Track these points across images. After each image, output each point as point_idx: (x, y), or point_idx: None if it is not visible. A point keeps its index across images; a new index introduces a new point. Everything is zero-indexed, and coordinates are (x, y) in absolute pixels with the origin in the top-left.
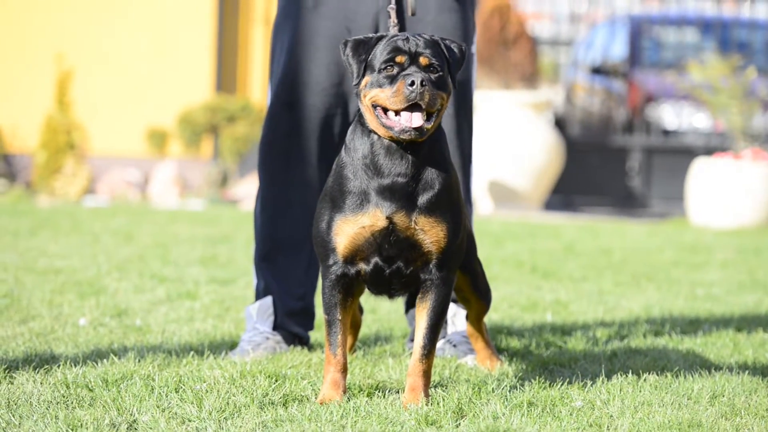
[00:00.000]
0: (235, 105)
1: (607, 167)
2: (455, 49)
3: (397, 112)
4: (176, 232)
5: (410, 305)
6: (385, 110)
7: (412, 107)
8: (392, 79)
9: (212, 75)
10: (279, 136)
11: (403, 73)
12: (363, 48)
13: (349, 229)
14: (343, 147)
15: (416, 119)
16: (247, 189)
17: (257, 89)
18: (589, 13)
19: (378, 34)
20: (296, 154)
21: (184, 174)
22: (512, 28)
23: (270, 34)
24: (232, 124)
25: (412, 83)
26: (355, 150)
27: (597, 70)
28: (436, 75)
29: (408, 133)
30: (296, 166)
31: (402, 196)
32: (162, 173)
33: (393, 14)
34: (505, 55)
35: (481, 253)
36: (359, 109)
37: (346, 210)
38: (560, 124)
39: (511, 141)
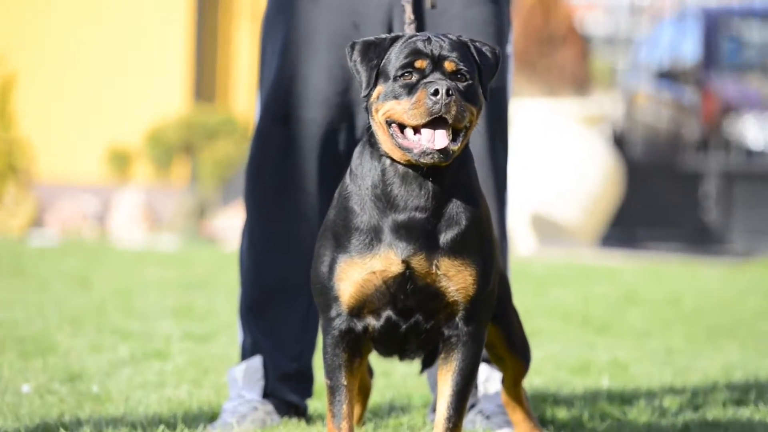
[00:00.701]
0: (216, 118)
1: (676, 195)
2: (488, 53)
3: (416, 130)
4: (143, 277)
5: (426, 364)
6: (402, 128)
7: (435, 123)
8: (411, 89)
9: (188, 82)
10: (270, 157)
11: (425, 80)
12: (374, 51)
13: (356, 275)
14: (348, 173)
15: (440, 138)
16: (231, 222)
17: (243, 99)
18: (653, 6)
19: (392, 35)
20: (292, 180)
21: (153, 204)
22: (558, 24)
23: (259, 31)
24: (211, 143)
25: (436, 92)
26: (363, 177)
27: (664, 76)
28: (465, 84)
29: (430, 155)
30: (292, 195)
31: (421, 234)
32: (126, 203)
33: (408, 8)
34: (550, 55)
35: (520, 301)
36: (368, 126)
37: (352, 250)
38: (618, 141)
39: (558, 162)
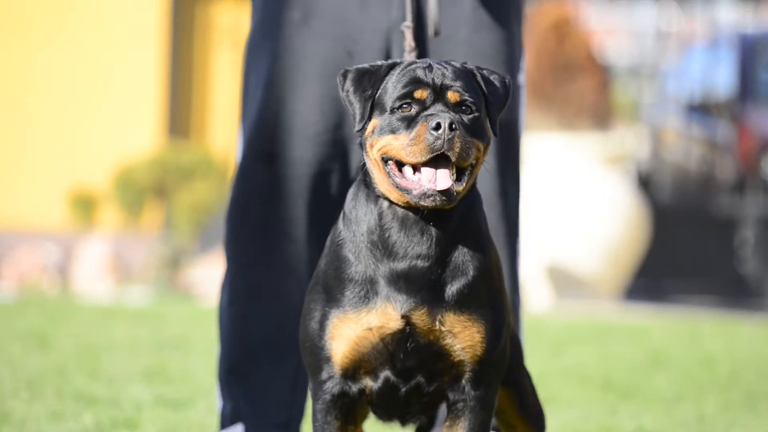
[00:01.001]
0: (192, 157)
1: (709, 243)
2: (497, 83)
3: (416, 169)
4: (110, 335)
5: (423, 430)
6: (400, 165)
7: (437, 161)
8: (410, 122)
9: (161, 116)
10: (254, 200)
11: (425, 113)
12: (369, 80)
13: (350, 332)
14: (341, 217)
15: (442, 178)
16: (209, 274)
17: (222, 135)
18: (682, 31)
19: (389, 62)
20: (278, 226)
21: (122, 253)
22: (576, 50)
23: (241, 59)
24: (187, 184)
25: (437, 126)
26: (358, 222)
27: (694, 109)
28: (470, 116)
29: (431, 197)
30: (278, 243)
31: (423, 286)
32: (91, 252)
33: (409, 34)
34: (567, 85)
35: (534, 363)
36: (363, 165)
37: (346, 304)
38: (644, 182)
39: (576, 205)
